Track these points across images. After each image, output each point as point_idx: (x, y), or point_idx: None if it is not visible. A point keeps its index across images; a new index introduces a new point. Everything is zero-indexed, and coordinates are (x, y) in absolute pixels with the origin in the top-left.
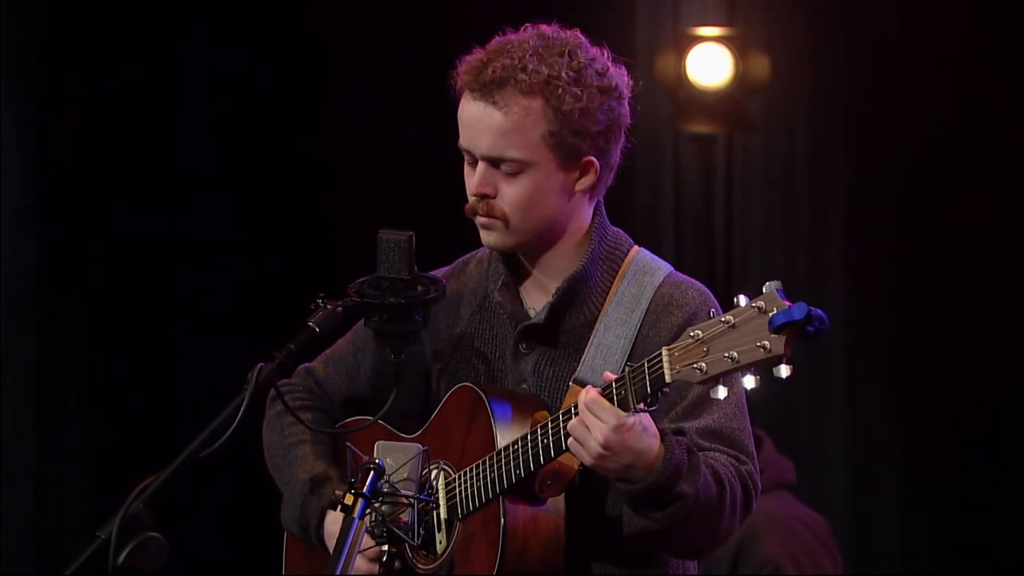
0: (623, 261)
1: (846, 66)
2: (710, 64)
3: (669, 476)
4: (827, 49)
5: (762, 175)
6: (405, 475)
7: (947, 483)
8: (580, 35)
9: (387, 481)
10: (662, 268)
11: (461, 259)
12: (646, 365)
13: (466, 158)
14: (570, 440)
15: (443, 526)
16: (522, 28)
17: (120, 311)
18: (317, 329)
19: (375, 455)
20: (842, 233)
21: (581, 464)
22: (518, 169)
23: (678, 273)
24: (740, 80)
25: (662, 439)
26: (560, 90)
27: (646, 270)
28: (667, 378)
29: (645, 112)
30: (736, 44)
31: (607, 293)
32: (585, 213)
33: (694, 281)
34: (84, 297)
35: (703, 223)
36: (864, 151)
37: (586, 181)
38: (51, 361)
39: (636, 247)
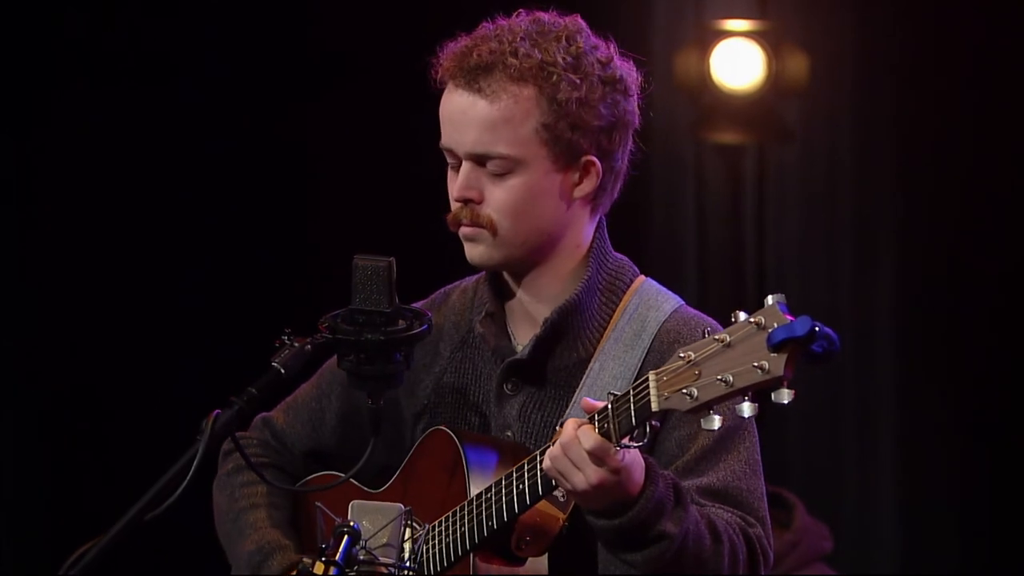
0: (625, 292)
1: (895, 65)
2: (739, 63)
3: (650, 512)
4: (873, 46)
5: (799, 191)
6: (384, 540)
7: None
8: (580, 21)
9: (363, 547)
10: (669, 301)
11: (443, 290)
12: (631, 393)
13: (449, 160)
14: (546, 465)
15: None
16: (515, 13)
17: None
18: (283, 370)
19: (349, 516)
20: (892, 257)
21: (567, 519)
22: (507, 168)
23: (688, 307)
24: (773, 82)
25: (646, 470)
26: (555, 77)
27: (651, 303)
28: (654, 406)
29: (663, 119)
30: (769, 40)
31: (604, 328)
32: (585, 229)
33: (706, 316)
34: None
35: (730, 246)
36: (916, 163)
37: (586, 186)
38: None
39: (641, 276)
